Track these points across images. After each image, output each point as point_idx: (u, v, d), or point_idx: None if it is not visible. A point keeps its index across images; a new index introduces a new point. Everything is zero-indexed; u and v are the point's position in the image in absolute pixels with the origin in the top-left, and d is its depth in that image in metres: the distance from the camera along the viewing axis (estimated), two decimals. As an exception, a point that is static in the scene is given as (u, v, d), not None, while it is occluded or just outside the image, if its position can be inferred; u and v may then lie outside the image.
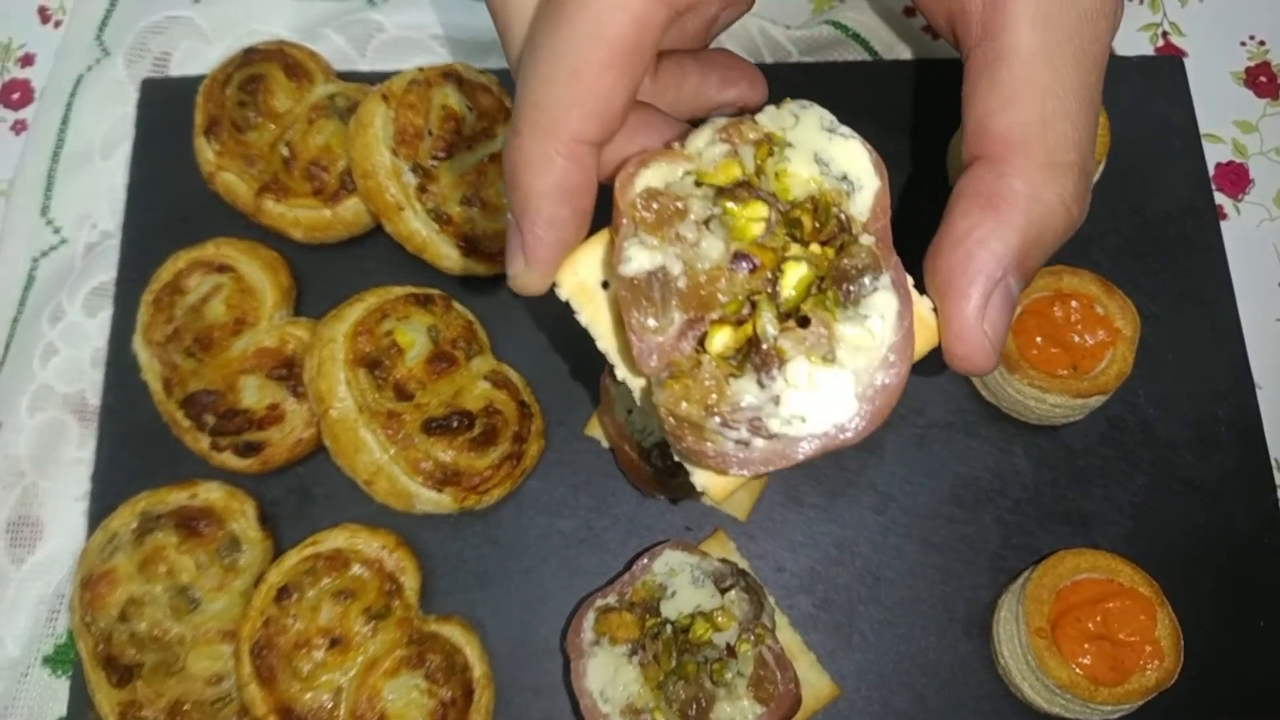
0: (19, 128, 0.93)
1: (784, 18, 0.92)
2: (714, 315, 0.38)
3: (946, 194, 0.40)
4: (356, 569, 0.72)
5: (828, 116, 0.40)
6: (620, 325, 0.39)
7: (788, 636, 0.74)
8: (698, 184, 0.39)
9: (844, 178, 0.39)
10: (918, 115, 0.87)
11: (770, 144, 0.40)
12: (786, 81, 0.79)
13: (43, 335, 0.84)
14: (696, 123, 0.41)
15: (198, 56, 0.93)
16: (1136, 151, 0.87)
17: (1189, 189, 0.87)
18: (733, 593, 0.69)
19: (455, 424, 0.75)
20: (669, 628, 0.68)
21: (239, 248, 0.81)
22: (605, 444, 0.80)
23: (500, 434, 0.76)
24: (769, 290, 0.38)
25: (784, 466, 0.38)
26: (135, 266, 0.84)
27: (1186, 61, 0.92)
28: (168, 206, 0.86)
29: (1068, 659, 0.69)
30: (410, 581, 0.74)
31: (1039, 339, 0.76)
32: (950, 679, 0.75)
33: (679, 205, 0.39)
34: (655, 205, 0.38)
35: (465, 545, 0.78)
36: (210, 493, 0.75)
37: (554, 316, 0.68)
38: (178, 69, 0.93)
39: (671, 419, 0.38)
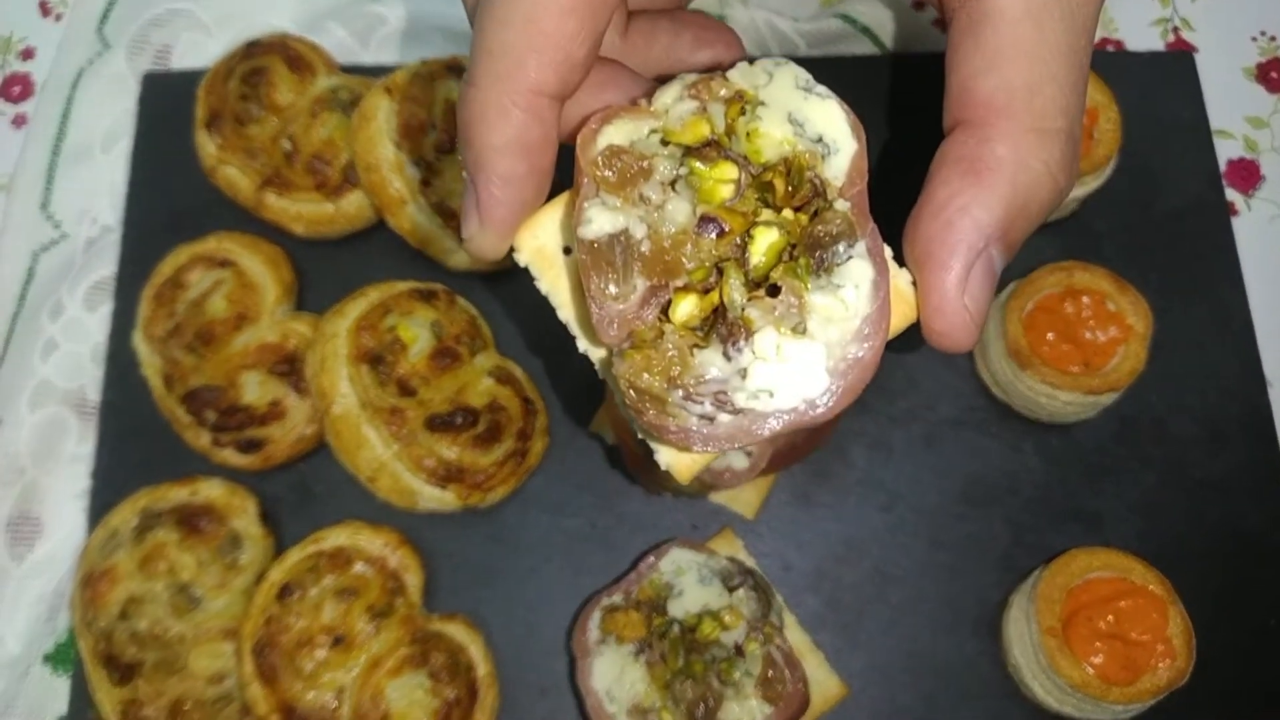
0: (19, 122, 0.92)
1: (792, 11, 0.91)
2: (679, 282, 0.36)
3: None
4: (359, 567, 0.72)
5: (803, 75, 0.38)
6: (581, 293, 0.37)
7: (796, 636, 0.74)
8: (664, 143, 0.37)
9: (819, 140, 0.37)
10: (927, 110, 0.86)
11: (742, 102, 0.37)
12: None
13: (43, 330, 0.83)
14: (665, 80, 0.39)
15: (199, 50, 0.92)
16: (1147, 147, 0.86)
17: (1200, 185, 0.87)
18: (740, 591, 0.69)
19: (459, 420, 0.74)
20: (676, 627, 0.67)
21: (240, 242, 0.80)
22: (611, 440, 0.79)
23: (504, 431, 0.76)
24: (737, 257, 0.36)
25: (750, 444, 0.36)
26: (136, 261, 0.84)
27: (1197, 57, 0.91)
28: (169, 201, 0.86)
29: (1079, 658, 0.68)
30: (413, 580, 0.73)
31: (1050, 336, 0.76)
32: (959, 679, 0.74)
33: (643, 164, 0.36)
34: (618, 164, 0.36)
35: (469, 543, 0.77)
36: (211, 490, 0.75)
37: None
38: (179, 62, 0.93)
39: (632, 392, 0.36)
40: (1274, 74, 0.92)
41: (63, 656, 0.76)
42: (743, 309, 0.35)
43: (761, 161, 0.37)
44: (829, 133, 0.37)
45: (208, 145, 0.83)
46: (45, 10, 0.96)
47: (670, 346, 0.36)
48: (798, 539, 0.77)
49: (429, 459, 0.73)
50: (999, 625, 0.75)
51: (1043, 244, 0.83)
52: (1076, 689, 0.68)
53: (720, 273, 0.36)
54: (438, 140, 0.79)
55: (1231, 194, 0.88)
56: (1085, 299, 0.77)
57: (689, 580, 0.70)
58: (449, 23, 0.92)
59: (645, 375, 0.36)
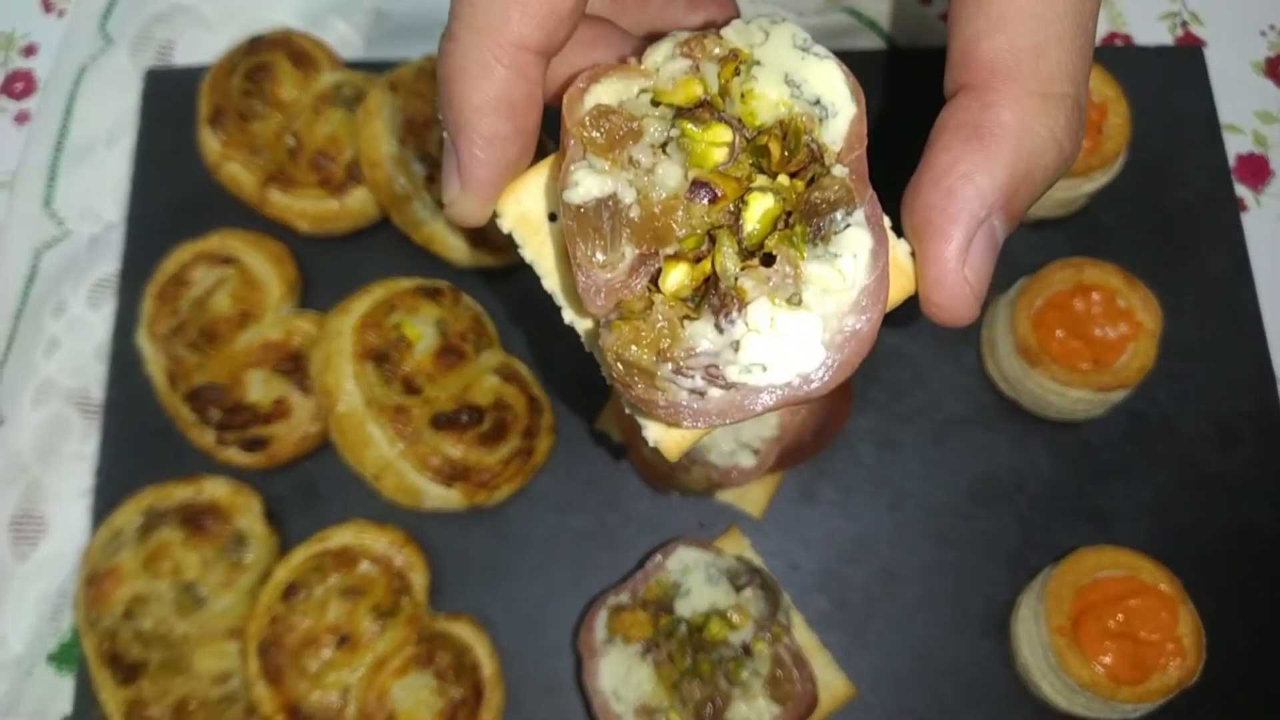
0: (22, 118, 0.92)
1: (797, 5, 0.90)
2: (669, 250, 0.34)
3: None
4: (365, 566, 0.71)
5: (801, 34, 0.36)
6: (567, 261, 0.35)
7: (803, 635, 0.73)
8: (655, 103, 0.35)
9: (817, 102, 0.35)
10: (935, 104, 0.85)
11: (736, 61, 0.35)
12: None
13: (46, 328, 0.83)
14: (656, 38, 0.37)
15: (202, 46, 0.92)
16: (1156, 142, 0.86)
17: (1209, 180, 0.86)
18: (748, 591, 0.68)
19: (464, 419, 0.74)
20: (683, 626, 0.67)
21: (244, 239, 0.80)
22: (618, 438, 0.79)
23: (510, 429, 0.75)
24: (730, 224, 0.34)
25: (741, 420, 0.34)
26: (139, 259, 0.83)
27: (1206, 51, 0.90)
28: (172, 198, 0.86)
29: (1089, 657, 0.68)
30: (419, 579, 0.73)
31: (1060, 332, 0.75)
32: (968, 678, 0.74)
33: (633, 126, 0.35)
34: (606, 125, 0.34)
35: (474, 542, 0.77)
36: (216, 488, 0.74)
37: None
38: (182, 58, 0.92)
39: (620, 364, 0.34)
40: (1284, 68, 0.91)
41: (67, 656, 0.75)
42: (736, 279, 0.34)
43: (756, 124, 0.35)
44: (827, 95, 0.35)
45: (211, 142, 0.83)
46: (48, 7, 0.96)
47: (660, 318, 0.34)
48: (805, 538, 0.77)
49: (434, 457, 0.73)
50: (1008, 624, 0.74)
51: (1052, 240, 0.82)
52: (1086, 688, 0.67)
53: (712, 241, 0.34)
54: (442, 136, 0.79)
55: (1241, 189, 0.87)
56: (1095, 295, 0.76)
57: (696, 579, 0.69)
58: (453, 18, 0.91)
59: (633, 348, 0.34)
